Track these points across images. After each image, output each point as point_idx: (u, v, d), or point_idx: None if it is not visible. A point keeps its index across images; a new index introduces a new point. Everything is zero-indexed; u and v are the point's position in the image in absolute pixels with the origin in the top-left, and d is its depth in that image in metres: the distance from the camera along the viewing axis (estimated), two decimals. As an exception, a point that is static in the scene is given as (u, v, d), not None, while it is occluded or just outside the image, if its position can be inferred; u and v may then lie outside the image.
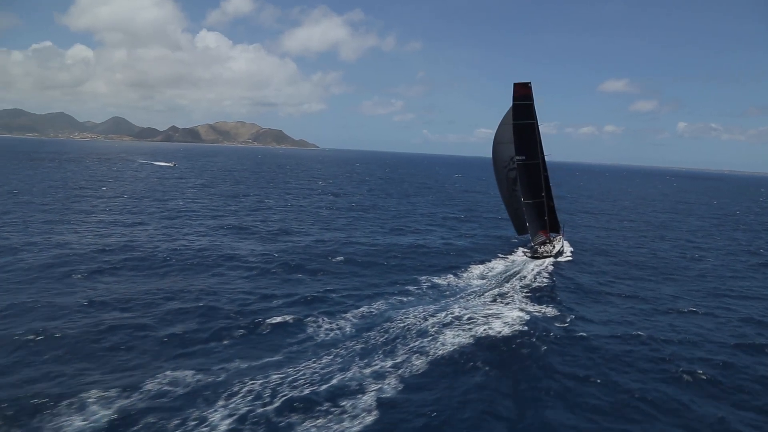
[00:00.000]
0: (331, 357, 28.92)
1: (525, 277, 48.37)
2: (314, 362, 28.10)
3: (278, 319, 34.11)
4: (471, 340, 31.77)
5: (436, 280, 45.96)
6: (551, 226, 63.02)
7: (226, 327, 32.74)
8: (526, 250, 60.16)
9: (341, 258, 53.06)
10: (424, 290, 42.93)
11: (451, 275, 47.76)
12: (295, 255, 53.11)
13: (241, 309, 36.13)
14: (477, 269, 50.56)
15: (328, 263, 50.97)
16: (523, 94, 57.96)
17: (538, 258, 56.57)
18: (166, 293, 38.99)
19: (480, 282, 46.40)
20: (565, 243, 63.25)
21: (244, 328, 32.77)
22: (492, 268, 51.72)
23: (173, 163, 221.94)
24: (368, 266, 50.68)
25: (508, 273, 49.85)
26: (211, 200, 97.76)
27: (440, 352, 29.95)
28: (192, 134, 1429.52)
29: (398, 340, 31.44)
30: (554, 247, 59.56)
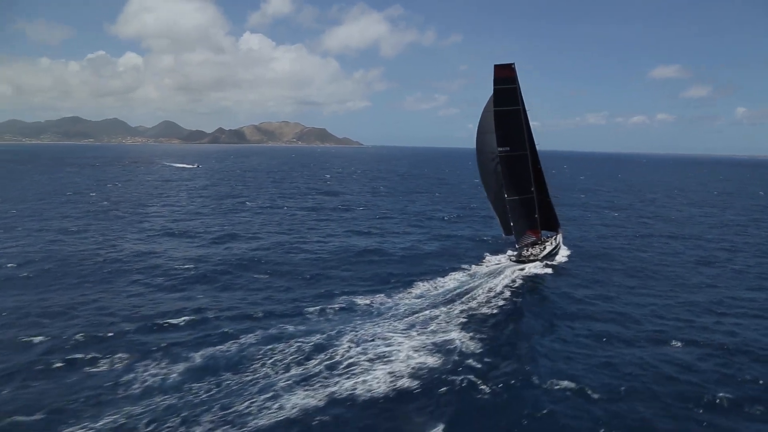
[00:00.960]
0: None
1: (478, 296, 38.65)
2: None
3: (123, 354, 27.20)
4: (320, 403, 22.69)
5: (359, 298, 37.48)
6: (547, 224, 54.27)
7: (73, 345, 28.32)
8: (512, 253, 51.42)
9: (267, 266, 46.02)
10: (333, 312, 34.76)
11: (383, 293, 38.90)
12: (217, 263, 46.64)
13: (107, 326, 31.19)
14: (423, 285, 41.20)
15: (245, 273, 43.85)
16: (504, 76, 49.07)
17: (523, 262, 48.51)
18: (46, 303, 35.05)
19: (413, 302, 37.04)
20: (563, 244, 54.84)
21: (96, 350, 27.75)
22: (442, 283, 42.20)
23: (196, 164, 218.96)
24: (289, 277, 43.04)
25: (460, 290, 40.06)
26: (191, 201, 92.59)
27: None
28: (238, 135, 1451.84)
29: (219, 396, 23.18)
30: (544, 248, 51.10)
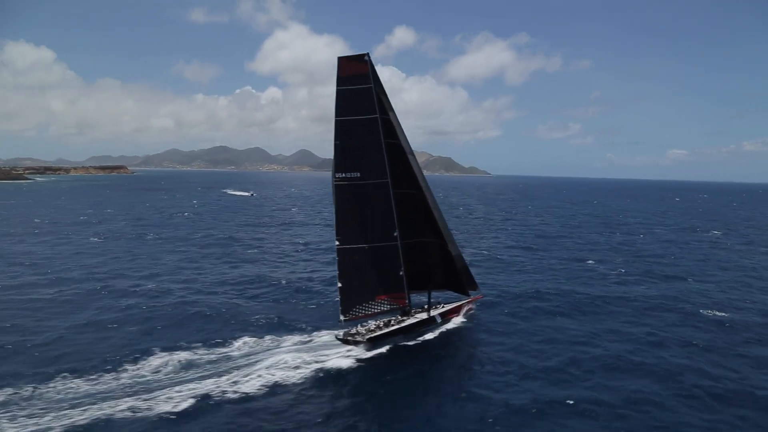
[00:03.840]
0: None
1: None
2: None
3: None
4: None
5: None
6: (445, 283, 41.56)
7: None
8: (361, 328, 36.96)
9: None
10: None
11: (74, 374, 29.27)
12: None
13: None
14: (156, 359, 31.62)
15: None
16: (353, 73, 36.46)
17: (348, 342, 34.64)
18: None
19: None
20: (459, 316, 41.33)
21: None
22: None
23: (251, 192, 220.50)
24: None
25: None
26: (180, 232, 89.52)
27: None
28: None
29: None
30: (401, 322, 37.58)
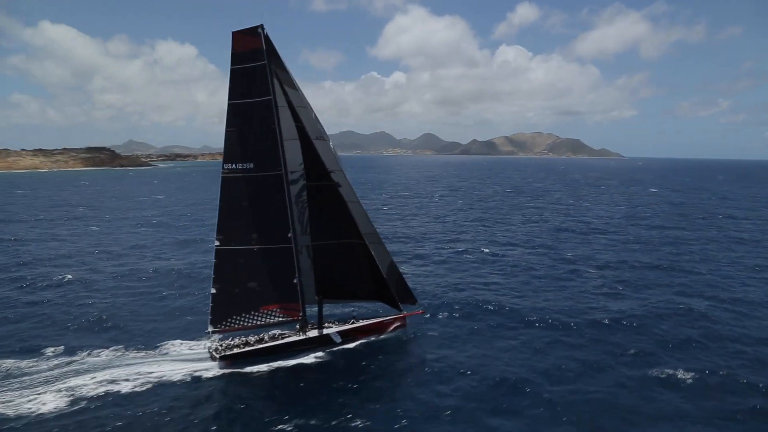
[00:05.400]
0: None
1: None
2: None
3: None
4: None
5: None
6: (362, 294, 35.74)
7: None
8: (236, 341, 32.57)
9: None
10: None
11: None
12: None
13: None
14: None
15: None
16: (247, 49, 31.43)
17: (222, 360, 30.24)
18: None
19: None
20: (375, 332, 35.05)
21: None
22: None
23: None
24: None
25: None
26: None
27: None
28: (488, 146, 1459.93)
29: None
30: (273, 338, 32.60)
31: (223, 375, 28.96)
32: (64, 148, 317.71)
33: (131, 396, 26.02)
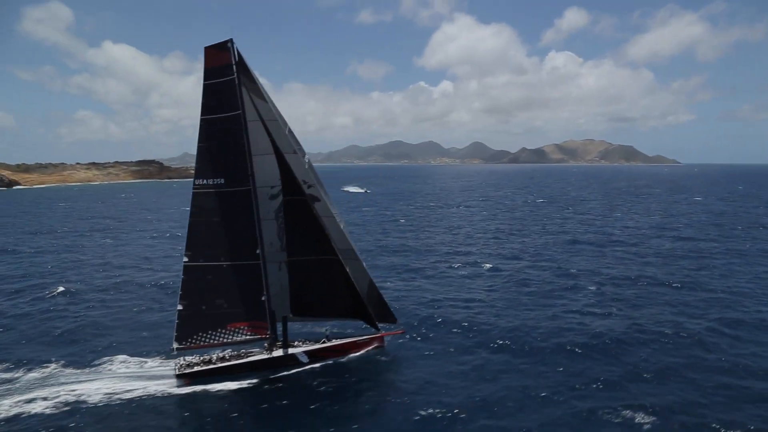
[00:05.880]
0: None
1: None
2: None
3: None
4: None
5: None
6: (336, 312, 34.04)
7: None
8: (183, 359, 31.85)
9: None
10: None
11: None
12: None
13: None
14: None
15: None
16: (217, 65, 31.24)
17: (180, 378, 29.73)
18: None
19: None
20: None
21: None
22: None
23: (365, 189, 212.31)
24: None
25: None
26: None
27: None
28: (538, 154, 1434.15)
29: None
30: (238, 357, 31.80)
31: (181, 394, 28.07)
32: (116, 162, 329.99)
33: (84, 412, 25.49)
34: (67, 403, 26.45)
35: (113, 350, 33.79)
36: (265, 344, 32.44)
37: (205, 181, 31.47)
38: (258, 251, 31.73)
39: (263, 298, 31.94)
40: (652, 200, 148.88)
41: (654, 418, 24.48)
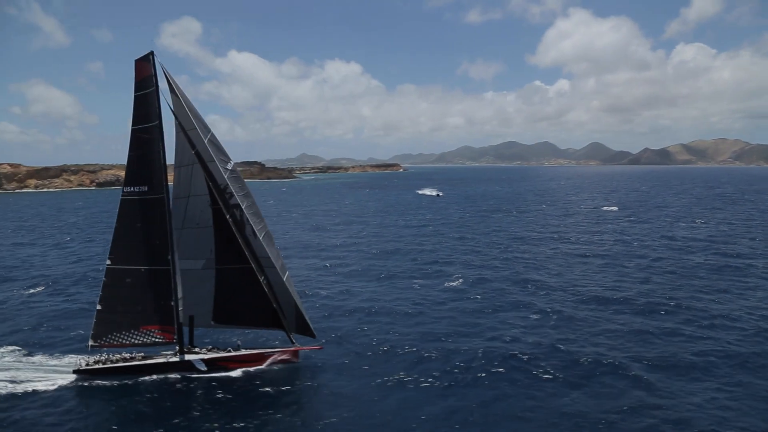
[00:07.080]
0: None
1: None
2: None
3: None
4: None
5: None
6: (253, 321, 35.62)
7: None
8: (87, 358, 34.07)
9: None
10: None
11: None
12: None
13: None
14: None
15: None
16: (142, 77, 33.35)
17: (77, 373, 32.80)
18: None
19: None
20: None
21: None
22: None
23: (437, 193, 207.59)
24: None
25: None
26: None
27: None
28: (662, 155, 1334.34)
29: None
30: (145, 358, 34.13)
31: (76, 389, 30.74)
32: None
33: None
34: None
35: (32, 344, 37.84)
36: (177, 348, 34.12)
37: (131, 188, 33.82)
38: (169, 257, 33.61)
39: (172, 303, 33.75)
40: (743, 208, 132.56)
41: None
